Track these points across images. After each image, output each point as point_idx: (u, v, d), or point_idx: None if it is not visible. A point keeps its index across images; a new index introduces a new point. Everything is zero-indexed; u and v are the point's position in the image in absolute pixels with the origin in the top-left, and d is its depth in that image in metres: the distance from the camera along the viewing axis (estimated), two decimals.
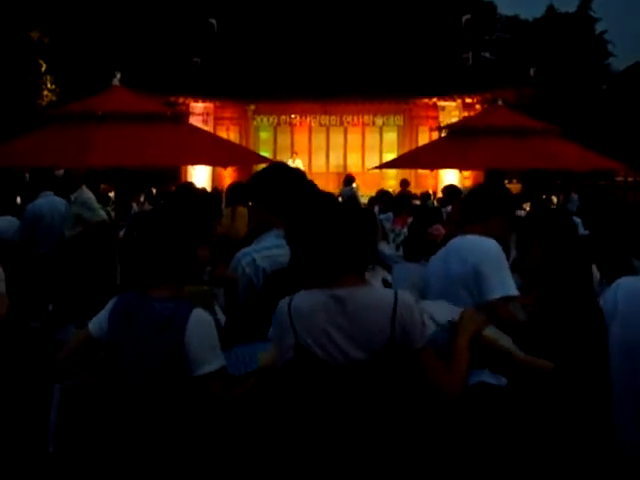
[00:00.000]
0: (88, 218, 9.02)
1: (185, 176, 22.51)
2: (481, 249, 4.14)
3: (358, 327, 3.00)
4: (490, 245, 4.14)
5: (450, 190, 12.02)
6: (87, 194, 9.16)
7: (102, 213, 9.26)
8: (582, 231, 11.99)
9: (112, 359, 3.26)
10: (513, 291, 4.00)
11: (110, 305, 3.31)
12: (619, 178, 25.51)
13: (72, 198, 9.12)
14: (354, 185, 18.88)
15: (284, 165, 4.81)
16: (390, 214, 10.77)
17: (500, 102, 13.34)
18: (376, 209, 12.38)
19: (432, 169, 19.30)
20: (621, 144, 26.39)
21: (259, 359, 3.33)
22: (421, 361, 3.04)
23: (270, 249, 4.11)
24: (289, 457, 3.16)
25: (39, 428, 6.66)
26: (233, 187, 10.76)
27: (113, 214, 10.34)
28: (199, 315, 3.13)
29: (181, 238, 3.23)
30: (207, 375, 3.10)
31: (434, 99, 25.18)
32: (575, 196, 18.26)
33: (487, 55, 27.47)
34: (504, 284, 4.00)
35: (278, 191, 4.16)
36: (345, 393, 3.01)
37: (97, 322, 3.31)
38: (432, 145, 14.69)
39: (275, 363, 3.18)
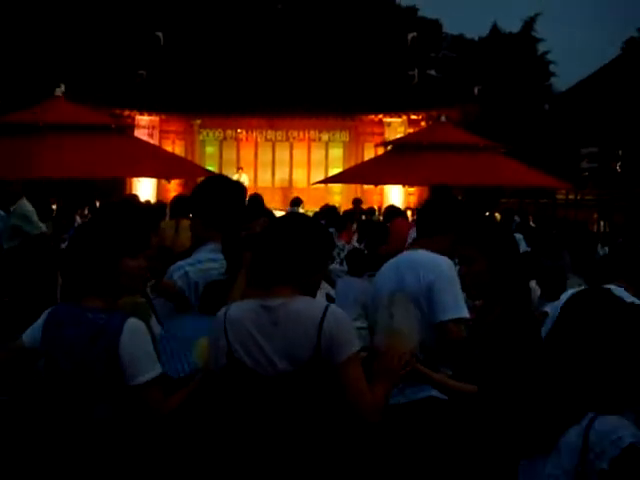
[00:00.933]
0: (27, 230, 8.92)
1: (130, 189, 22.37)
2: (435, 266, 4.11)
3: (286, 337, 3.01)
4: (443, 263, 4.13)
5: (389, 211, 12.09)
6: (27, 206, 9.06)
7: (41, 226, 9.16)
8: (524, 247, 12.17)
9: (48, 369, 3.21)
10: (465, 314, 4.01)
11: (44, 315, 3.26)
12: (560, 196, 25.88)
13: (11, 210, 9.01)
14: (301, 208, 18.80)
15: (224, 178, 4.76)
16: (333, 229, 10.81)
17: (444, 119, 13.47)
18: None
19: (376, 184, 19.40)
20: (562, 163, 26.80)
21: (198, 349, 3.34)
22: (343, 377, 3.01)
23: (203, 262, 4.13)
24: (216, 466, 3.18)
25: None
26: (177, 199, 10.72)
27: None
28: (133, 324, 3.10)
29: (103, 248, 3.19)
30: (143, 385, 3.08)
31: (380, 115, 25.35)
32: (516, 218, 18.46)
33: (433, 73, 27.60)
34: (457, 306, 4.00)
35: (216, 204, 4.15)
36: (271, 404, 3.02)
37: (30, 332, 3.27)
38: (376, 160, 14.79)
39: (210, 365, 3.19)
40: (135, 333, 3.09)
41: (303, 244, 3.13)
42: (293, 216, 3.48)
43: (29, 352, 3.27)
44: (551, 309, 8.04)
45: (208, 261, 4.10)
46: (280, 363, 3.00)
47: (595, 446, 2.43)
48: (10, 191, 8.92)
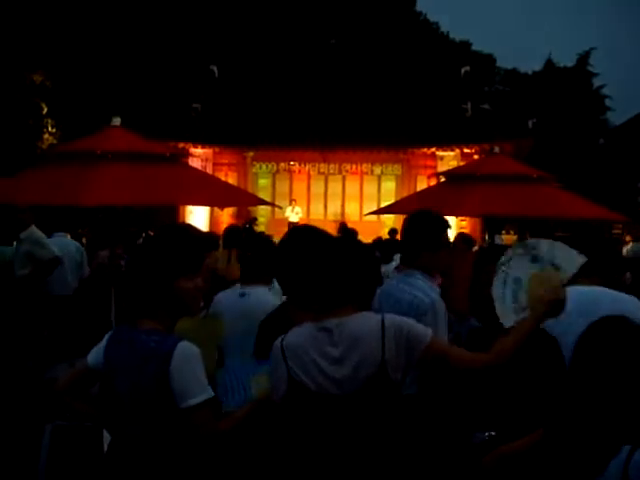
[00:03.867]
0: (40, 256, 8.95)
1: (183, 219, 22.54)
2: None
3: (348, 357, 3.01)
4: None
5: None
6: (37, 232, 9.12)
7: (54, 250, 9.19)
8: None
9: (104, 391, 3.23)
10: None
11: (107, 336, 3.30)
12: (616, 231, 25.53)
13: (21, 237, 9.06)
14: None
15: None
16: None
17: (497, 150, 13.39)
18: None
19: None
20: (618, 197, 26.48)
21: (258, 385, 3.32)
22: (434, 356, 3.04)
23: None
24: None
25: (29, 468, 6.61)
26: (230, 230, 10.78)
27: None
28: (184, 348, 3.11)
29: (157, 268, 3.20)
30: (193, 407, 3.07)
31: (432, 149, 25.29)
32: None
33: (486, 107, 27.59)
34: None
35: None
36: (341, 424, 3.01)
37: (94, 352, 3.30)
38: (429, 191, 14.74)
39: (271, 396, 3.18)
40: (186, 356, 3.10)
41: (355, 265, 3.13)
42: (341, 240, 3.48)
43: (93, 373, 3.30)
44: None
45: None
46: (345, 383, 3.01)
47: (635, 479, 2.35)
48: (19, 218, 8.98)
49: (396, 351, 3.00)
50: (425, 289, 4.35)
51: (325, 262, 3.20)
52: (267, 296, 4.98)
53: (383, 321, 3.04)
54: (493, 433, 3.36)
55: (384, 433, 3.03)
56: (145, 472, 3.12)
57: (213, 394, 3.15)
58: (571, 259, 3.19)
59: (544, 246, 3.24)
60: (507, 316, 3.21)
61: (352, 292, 3.12)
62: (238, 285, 5.19)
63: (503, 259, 3.32)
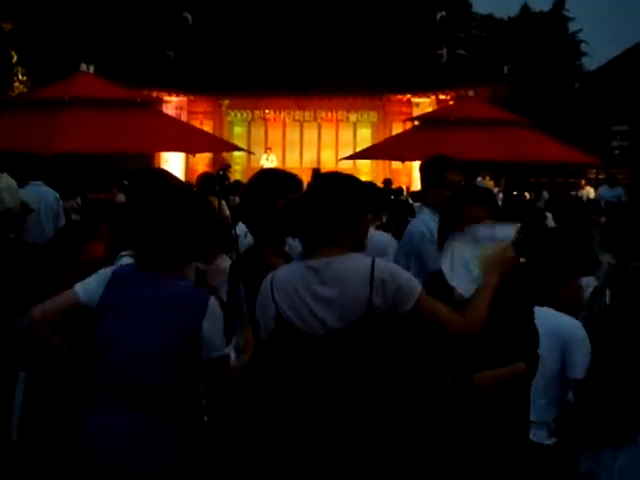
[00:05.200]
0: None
1: (158, 166, 22.35)
2: None
3: (335, 296, 3.02)
4: None
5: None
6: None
7: (8, 201, 9.09)
8: (551, 224, 12.07)
9: (106, 327, 3.15)
10: None
11: (105, 274, 3.22)
12: (590, 175, 25.64)
13: None
14: None
15: None
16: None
17: (472, 94, 13.32)
18: None
19: (403, 160, 19.19)
20: (593, 141, 26.53)
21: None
22: (420, 313, 3.05)
23: None
24: (274, 431, 3.16)
25: (2, 417, 6.60)
26: (204, 177, 10.72)
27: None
28: (214, 303, 3.14)
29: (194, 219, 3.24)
30: (217, 359, 3.11)
31: (408, 95, 25.17)
32: (545, 193, 18.35)
33: (462, 52, 27.43)
34: None
35: None
36: (324, 363, 3.03)
37: (88, 288, 3.20)
38: (404, 135, 14.66)
39: (260, 337, 3.19)
40: (217, 311, 3.14)
41: (339, 202, 3.12)
42: (327, 176, 3.45)
43: (80, 310, 3.21)
44: (585, 282, 8.05)
45: None
46: (330, 322, 3.01)
47: None
48: None
49: (383, 296, 3.00)
50: (425, 220, 5.08)
51: (311, 200, 3.18)
52: None
53: (373, 264, 3.03)
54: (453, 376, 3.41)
55: (368, 373, 3.04)
56: (151, 419, 3.09)
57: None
58: (507, 228, 3.38)
59: (480, 229, 3.38)
60: (464, 286, 3.29)
61: (335, 230, 3.10)
62: None
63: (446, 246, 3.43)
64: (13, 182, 8.98)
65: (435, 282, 3.45)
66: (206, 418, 3.38)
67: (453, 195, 3.85)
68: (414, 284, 3.07)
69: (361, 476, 3.01)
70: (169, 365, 3.09)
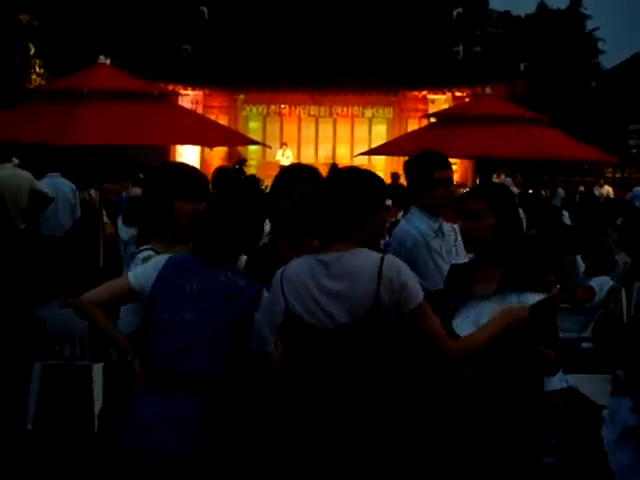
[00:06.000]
0: None
1: (173, 160, 22.38)
2: None
3: (343, 291, 3.01)
4: None
5: None
6: None
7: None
8: (568, 223, 12.05)
9: (158, 314, 3.20)
10: None
11: (158, 262, 3.28)
12: (607, 174, 25.53)
13: None
14: None
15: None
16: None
17: (489, 91, 13.25)
18: None
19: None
20: (609, 140, 26.42)
21: None
22: (417, 321, 3.04)
23: None
24: (283, 425, 3.16)
25: (18, 406, 6.62)
26: (219, 171, 10.72)
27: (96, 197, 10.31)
28: (266, 294, 3.20)
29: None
30: (268, 353, 3.17)
31: (424, 92, 25.11)
32: (561, 191, 18.31)
33: (478, 49, 27.29)
34: None
35: None
36: (331, 358, 3.03)
37: (141, 274, 3.27)
38: (420, 132, 14.55)
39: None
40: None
41: (350, 197, 3.11)
42: (340, 171, 3.45)
43: (132, 295, 3.26)
44: (596, 284, 8.03)
45: None
46: (338, 316, 3.01)
47: None
48: None
49: (390, 292, 2.99)
50: (416, 223, 4.74)
51: (325, 195, 3.19)
52: None
53: (382, 259, 3.04)
54: (472, 373, 3.40)
55: (376, 368, 3.04)
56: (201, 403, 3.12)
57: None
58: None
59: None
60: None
61: (352, 226, 3.10)
62: None
63: None
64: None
65: (434, 300, 3.48)
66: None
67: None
68: (419, 288, 3.07)
69: (370, 469, 3.01)
70: (219, 355, 3.13)
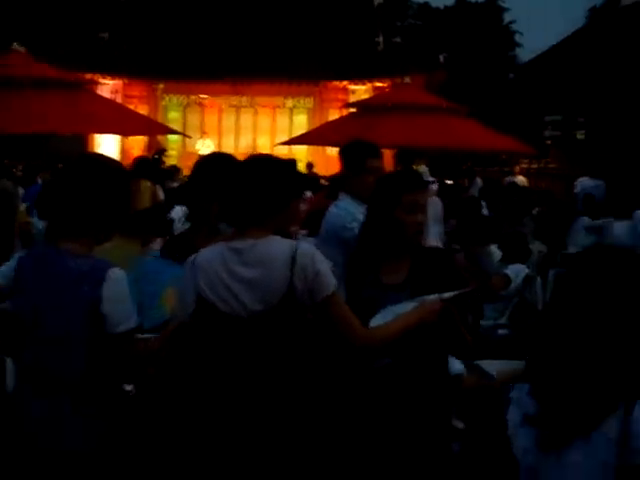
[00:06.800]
0: None
1: (92, 149, 21.99)
2: None
3: (257, 278, 3.00)
4: None
5: None
6: None
7: None
8: (486, 213, 12.24)
9: (19, 308, 3.13)
10: None
11: (17, 256, 3.22)
12: (523, 165, 25.94)
13: None
14: None
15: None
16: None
17: (408, 80, 13.38)
18: None
19: (339, 146, 19.20)
20: (525, 131, 26.87)
21: (166, 299, 3.32)
22: (330, 309, 3.05)
23: None
24: (194, 414, 3.15)
25: None
26: (139, 161, 10.60)
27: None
28: (116, 273, 3.06)
29: (84, 188, 3.15)
30: (123, 333, 3.05)
31: (344, 82, 25.19)
32: (479, 180, 18.52)
33: (398, 40, 27.46)
34: None
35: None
36: (247, 345, 3.01)
37: (4, 271, 3.23)
38: (340, 122, 14.65)
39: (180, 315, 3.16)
40: (118, 282, 3.05)
41: (263, 184, 3.10)
42: (254, 159, 3.44)
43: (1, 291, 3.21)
44: (511, 272, 8.18)
45: None
46: (251, 304, 2.99)
47: (637, 438, 2.12)
48: None
49: (304, 280, 2.99)
50: (346, 207, 4.93)
51: (238, 182, 3.16)
52: None
53: (296, 247, 3.04)
54: (390, 360, 3.43)
55: (290, 356, 3.04)
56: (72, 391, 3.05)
57: (139, 322, 3.14)
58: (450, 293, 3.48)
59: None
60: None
61: (266, 214, 3.08)
62: None
63: None
64: None
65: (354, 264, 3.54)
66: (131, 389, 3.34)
67: (398, 178, 3.84)
68: (332, 276, 3.08)
69: (283, 458, 3.01)
70: (76, 348, 3.03)
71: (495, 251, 9.07)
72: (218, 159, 4.03)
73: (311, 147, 24.21)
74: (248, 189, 3.10)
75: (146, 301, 3.42)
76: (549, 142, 27.41)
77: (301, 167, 22.08)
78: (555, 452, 2.21)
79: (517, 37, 43.60)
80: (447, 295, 3.41)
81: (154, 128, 10.88)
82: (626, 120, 22.39)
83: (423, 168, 13.02)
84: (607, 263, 2.29)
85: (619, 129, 23.09)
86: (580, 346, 2.21)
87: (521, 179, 19.50)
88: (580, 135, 26.43)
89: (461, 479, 3.92)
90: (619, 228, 10.56)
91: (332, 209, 5.15)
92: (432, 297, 3.40)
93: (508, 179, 18.59)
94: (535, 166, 25.64)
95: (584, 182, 15.77)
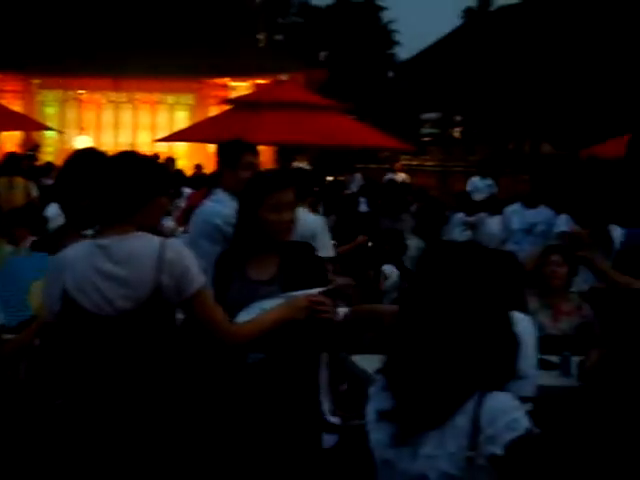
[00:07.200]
0: None
1: None
2: None
3: (123, 275, 2.96)
4: None
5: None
6: None
7: None
8: (365, 209, 12.41)
9: None
10: None
11: None
12: (404, 162, 26.38)
13: None
14: None
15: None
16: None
17: (285, 78, 13.43)
18: None
19: (215, 143, 19.16)
20: (403, 130, 27.37)
21: (34, 294, 3.26)
22: (197, 306, 3.04)
23: None
24: (62, 413, 3.10)
25: None
26: (9, 157, 10.32)
27: None
28: None
29: None
30: None
31: (225, 79, 25.10)
32: (359, 177, 18.77)
33: (280, 38, 27.56)
34: None
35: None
36: (114, 344, 2.97)
37: None
38: (218, 118, 14.57)
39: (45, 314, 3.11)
40: None
41: (125, 179, 3.08)
42: (117, 155, 3.41)
43: None
44: (388, 268, 8.34)
45: None
46: (119, 301, 2.95)
47: (487, 428, 2.17)
48: None
49: (172, 277, 2.97)
50: (219, 203, 4.91)
51: (102, 178, 3.13)
52: None
53: (164, 243, 3.02)
54: (263, 356, 3.46)
55: (159, 353, 3.02)
56: None
57: (4, 321, 3.07)
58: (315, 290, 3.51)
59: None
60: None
61: (131, 210, 3.06)
62: None
63: None
64: None
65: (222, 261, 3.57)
66: None
67: (262, 178, 3.88)
68: (200, 273, 3.08)
69: (151, 458, 2.99)
70: None
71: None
72: (86, 155, 3.98)
73: (193, 144, 24.07)
74: (110, 185, 3.07)
75: (12, 299, 3.36)
76: (427, 139, 27.98)
77: (182, 164, 21.92)
78: (410, 445, 2.27)
79: (396, 36, 44.36)
80: (315, 291, 3.46)
81: (28, 124, 10.59)
82: (500, 118, 23.08)
83: (302, 165, 13.12)
84: (453, 259, 2.36)
85: (494, 127, 23.77)
86: (431, 339, 2.27)
87: (402, 176, 19.86)
88: (456, 133, 27.09)
89: (334, 473, 3.98)
90: (492, 224, 10.86)
91: (208, 204, 5.15)
92: (300, 293, 3.44)
93: (388, 176, 18.92)
94: (414, 163, 26.12)
95: (475, 181, 16.21)
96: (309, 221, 7.00)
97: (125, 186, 3.07)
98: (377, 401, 2.39)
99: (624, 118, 15.25)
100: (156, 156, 3.71)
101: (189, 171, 18.90)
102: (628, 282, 3.35)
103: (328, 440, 4.04)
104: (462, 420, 2.21)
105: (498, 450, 2.15)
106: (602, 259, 4.58)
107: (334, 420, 4.01)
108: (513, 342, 2.32)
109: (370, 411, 2.41)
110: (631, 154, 10.88)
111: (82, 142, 23.33)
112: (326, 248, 6.55)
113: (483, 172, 16.30)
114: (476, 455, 2.17)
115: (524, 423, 2.18)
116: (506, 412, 2.19)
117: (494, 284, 2.34)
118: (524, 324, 3.76)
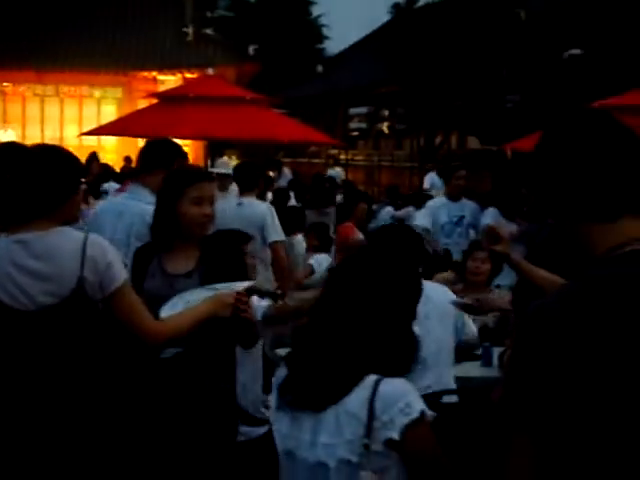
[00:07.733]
0: None
1: None
2: None
3: (46, 269, 2.95)
4: None
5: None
6: None
7: None
8: (294, 203, 12.46)
9: None
10: None
11: None
12: (341, 157, 26.50)
13: None
14: None
15: None
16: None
17: (211, 72, 13.38)
18: None
19: (143, 137, 19.01)
20: (332, 125, 27.49)
21: None
22: (119, 301, 3.04)
23: None
24: None
25: None
26: None
27: None
28: None
29: None
30: None
31: (153, 73, 24.88)
32: (287, 172, 18.79)
33: (209, 32, 27.33)
34: None
35: None
36: (35, 339, 2.96)
37: None
38: (145, 112, 14.40)
39: None
40: None
41: (42, 174, 3.05)
42: (36, 148, 3.38)
43: None
44: (315, 261, 8.40)
45: None
46: (40, 297, 2.93)
47: (382, 414, 2.24)
48: None
49: (95, 272, 2.97)
50: (139, 197, 4.81)
51: (17, 173, 3.10)
52: None
53: (86, 239, 3.00)
54: (180, 350, 3.46)
55: (80, 349, 3.01)
56: None
57: None
58: (243, 284, 3.54)
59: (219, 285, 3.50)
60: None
61: (51, 205, 3.04)
62: None
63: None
64: None
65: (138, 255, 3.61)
66: None
67: (182, 171, 3.90)
68: (123, 269, 3.09)
69: (70, 458, 2.98)
70: None
71: (301, 241, 9.28)
72: (6, 150, 3.93)
73: (122, 138, 23.81)
74: (31, 180, 3.05)
75: None
76: (356, 134, 28.15)
77: (111, 158, 21.67)
78: (309, 434, 2.32)
79: (326, 30, 44.45)
80: (239, 286, 3.47)
81: None
82: (427, 112, 23.32)
83: (226, 160, 13.11)
84: (362, 252, 2.48)
85: (422, 121, 24.01)
86: (331, 322, 2.37)
87: (338, 170, 19.95)
88: (384, 127, 27.28)
89: (253, 464, 4.01)
90: (418, 217, 11.02)
91: (127, 198, 5.08)
92: (224, 286, 3.44)
93: (329, 172, 19.03)
94: (343, 157, 26.26)
95: (432, 177, 16.27)
96: (259, 209, 7.24)
97: (47, 181, 3.05)
98: (277, 386, 2.45)
99: (543, 114, 15.59)
100: (69, 152, 3.68)
101: (118, 165, 18.73)
102: (543, 276, 3.46)
103: (256, 431, 4.09)
104: (357, 407, 2.27)
105: (395, 435, 2.22)
106: (519, 254, 4.69)
107: (264, 411, 4.06)
108: (410, 335, 2.41)
109: (272, 400, 2.46)
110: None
111: (6, 136, 22.92)
112: (277, 233, 7.15)
113: (440, 169, 16.36)
114: (372, 441, 2.23)
115: (418, 406, 2.26)
116: (400, 397, 2.26)
117: (396, 278, 2.44)
118: (439, 292, 3.91)
